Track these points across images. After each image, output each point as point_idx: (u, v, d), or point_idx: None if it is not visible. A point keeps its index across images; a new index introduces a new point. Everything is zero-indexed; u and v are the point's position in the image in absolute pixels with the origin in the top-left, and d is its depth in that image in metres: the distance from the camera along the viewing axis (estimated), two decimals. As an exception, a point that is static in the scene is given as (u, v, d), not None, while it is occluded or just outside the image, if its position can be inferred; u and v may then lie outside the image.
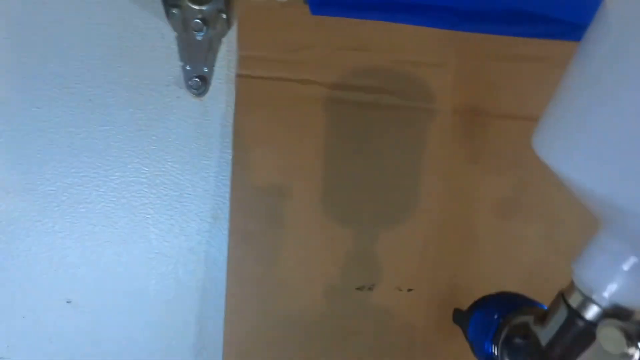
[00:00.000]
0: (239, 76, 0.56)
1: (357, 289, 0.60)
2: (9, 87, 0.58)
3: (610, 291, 0.25)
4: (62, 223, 0.61)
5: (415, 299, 0.60)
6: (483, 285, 0.59)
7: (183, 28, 0.55)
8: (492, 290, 0.57)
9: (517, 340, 0.32)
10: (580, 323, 0.27)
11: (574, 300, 0.28)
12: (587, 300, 0.26)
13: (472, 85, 0.58)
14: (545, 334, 0.29)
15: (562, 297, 0.28)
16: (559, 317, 0.28)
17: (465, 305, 0.56)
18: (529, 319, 0.32)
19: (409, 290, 0.61)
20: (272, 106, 0.57)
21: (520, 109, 0.58)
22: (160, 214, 0.61)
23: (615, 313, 0.25)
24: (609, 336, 0.23)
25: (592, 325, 0.27)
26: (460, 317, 0.45)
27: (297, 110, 0.57)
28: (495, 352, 0.35)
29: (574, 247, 0.30)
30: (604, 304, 0.26)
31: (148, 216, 0.61)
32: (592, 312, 0.27)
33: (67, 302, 0.63)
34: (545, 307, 0.33)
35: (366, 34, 0.56)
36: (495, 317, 0.36)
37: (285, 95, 0.56)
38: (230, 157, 0.58)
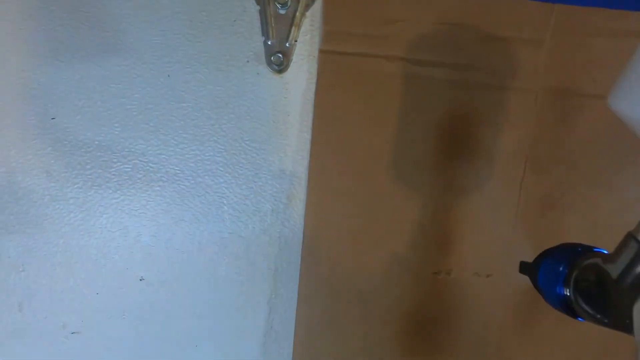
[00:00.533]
0: (322, 52, 0.54)
1: (434, 273, 0.59)
2: (87, 64, 0.57)
3: None
4: (138, 201, 0.61)
5: (494, 286, 0.59)
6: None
7: (266, 1, 0.54)
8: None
9: (589, 278, 0.36)
10: None
11: None
12: None
13: (568, 63, 0.55)
14: (615, 269, 0.32)
15: (631, 235, 0.32)
16: (629, 251, 0.32)
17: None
18: (597, 260, 0.35)
19: (488, 276, 0.60)
20: (356, 83, 0.55)
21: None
22: (234, 193, 0.60)
23: None
24: None
25: None
26: (527, 267, 0.47)
27: (382, 88, 0.54)
28: (568, 293, 0.38)
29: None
30: None
31: (222, 195, 0.60)
32: None
33: (140, 279, 0.63)
34: (607, 252, 0.36)
35: (458, 8, 0.53)
36: (564, 262, 0.39)
37: (370, 72, 0.54)
38: (309, 137, 0.57)
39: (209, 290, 0.62)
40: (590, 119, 0.55)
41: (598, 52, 0.54)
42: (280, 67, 0.54)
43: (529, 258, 0.57)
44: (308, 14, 0.54)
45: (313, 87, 0.55)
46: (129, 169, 0.59)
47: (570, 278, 0.37)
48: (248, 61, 0.56)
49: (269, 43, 0.55)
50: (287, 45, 0.55)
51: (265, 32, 0.54)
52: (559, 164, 0.56)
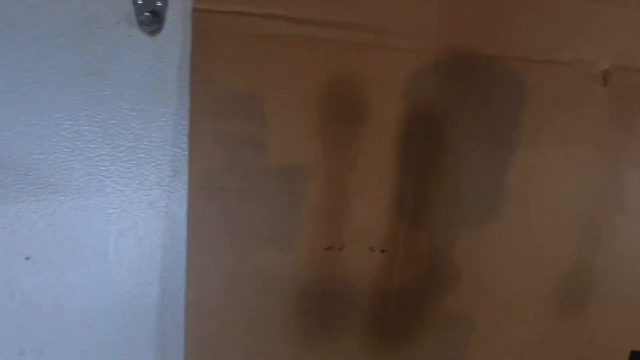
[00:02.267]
0: (195, 10, 0.50)
1: (327, 248, 0.56)
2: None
3: None
4: (15, 175, 0.58)
5: (389, 261, 0.56)
6: (462, 248, 0.55)
7: (131, -45, 0.50)
8: (472, 251, 0.53)
9: None
10: None
11: None
12: None
13: (462, 22, 0.51)
14: None
15: None
16: None
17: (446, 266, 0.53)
18: None
19: (383, 251, 0.57)
20: (233, 45, 0.50)
21: (517, 49, 0.51)
22: (116, 165, 0.57)
23: None
24: None
25: None
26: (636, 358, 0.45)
27: (260, 50, 0.50)
28: None
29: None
30: None
31: (103, 168, 0.57)
32: None
33: (26, 258, 0.60)
34: None
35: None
36: None
37: (247, 32, 0.50)
38: (188, 104, 0.53)
39: (98, 269, 0.60)
40: (487, 79, 0.52)
41: (494, 9, 0.50)
42: (152, 27, 0.50)
43: (426, 235, 0.56)
44: (179, -32, 0.50)
45: (189, 49, 0.51)
46: (2, 141, 0.56)
47: None
48: (119, 22, 0.52)
49: (139, 2, 0.51)
50: (158, 3, 0.51)
51: (133, -11, 0.50)
52: (456, 127, 0.53)
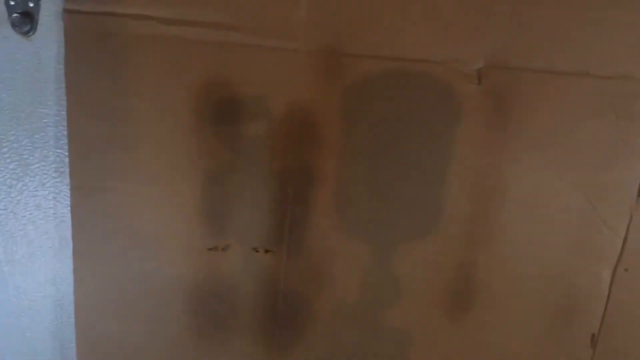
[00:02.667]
0: (65, 11, 0.50)
1: (210, 249, 0.56)
2: None
3: None
4: None
5: (275, 262, 0.56)
6: (353, 248, 0.55)
7: (-1, -45, 0.49)
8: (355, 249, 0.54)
9: None
10: None
11: None
12: None
13: (331, 21, 0.50)
14: None
15: None
16: None
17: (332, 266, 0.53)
18: None
19: (267, 251, 0.57)
20: (104, 45, 0.50)
21: (390, 48, 0.50)
22: (1, 168, 0.56)
23: None
24: None
25: None
26: None
27: (132, 51, 0.50)
28: None
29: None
30: None
31: (-11, 170, 0.57)
32: None
33: None
34: None
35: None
36: None
37: (118, 33, 0.50)
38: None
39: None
40: (362, 79, 0.51)
41: (364, 8, 0.50)
42: (24, 29, 0.50)
43: (311, 235, 0.55)
44: (48, -32, 0.50)
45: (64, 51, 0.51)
46: None
47: None
48: (-7, 23, 0.52)
49: (11, 3, 0.50)
50: (30, 4, 0.51)
51: (4, -10, 0.50)
52: (336, 128, 0.52)
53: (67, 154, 0.55)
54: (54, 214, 0.57)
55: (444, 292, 0.57)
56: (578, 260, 0.57)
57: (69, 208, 0.56)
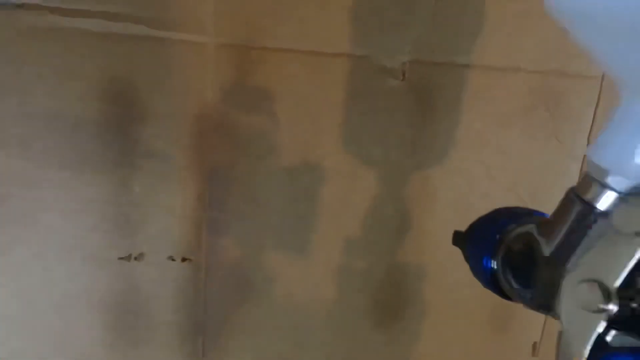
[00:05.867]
0: (-51, 1, 0.47)
1: (121, 258, 0.53)
2: None
3: (630, 170, 0.23)
4: None
5: (193, 271, 0.52)
6: (274, 255, 0.52)
7: None
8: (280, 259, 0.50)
9: (519, 249, 0.30)
10: (593, 216, 0.25)
11: (588, 192, 0.25)
12: (603, 188, 0.25)
13: (244, 12, 0.47)
14: (551, 238, 0.27)
15: (572, 191, 0.27)
16: (568, 215, 0.26)
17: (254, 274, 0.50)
18: (530, 227, 0.30)
19: (184, 260, 0.54)
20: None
21: (306, 41, 0.46)
22: None
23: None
24: (626, 214, 0.23)
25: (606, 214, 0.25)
26: (458, 238, 0.41)
27: (24, 44, 0.46)
28: (495, 266, 0.32)
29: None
30: (623, 186, 0.24)
31: None
32: (607, 201, 0.24)
33: None
34: (548, 215, 0.30)
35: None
36: (493, 230, 0.33)
37: (7, 24, 0.46)
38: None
39: None
40: (273, 74, 0.48)
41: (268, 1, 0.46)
42: None
43: (231, 242, 0.52)
44: None
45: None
46: None
47: (499, 249, 0.32)
48: None
49: None
50: None
51: None
52: (250, 128, 0.49)
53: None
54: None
55: (371, 301, 0.55)
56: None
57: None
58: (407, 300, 0.55)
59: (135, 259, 0.52)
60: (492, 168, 0.51)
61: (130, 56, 0.47)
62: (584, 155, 0.51)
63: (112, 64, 0.47)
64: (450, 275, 0.53)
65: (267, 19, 0.46)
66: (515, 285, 0.31)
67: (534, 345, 0.58)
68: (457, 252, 0.53)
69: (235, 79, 0.47)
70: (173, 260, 0.52)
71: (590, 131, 0.50)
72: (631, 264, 0.22)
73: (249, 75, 0.48)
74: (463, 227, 0.52)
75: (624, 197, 0.24)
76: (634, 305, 0.23)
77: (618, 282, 0.22)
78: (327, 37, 0.47)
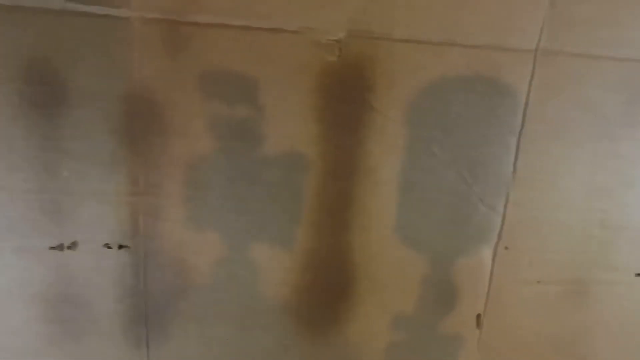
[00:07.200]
0: None
1: (53, 247, 0.51)
2: None
3: None
4: None
5: (132, 258, 0.50)
6: (212, 240, 0.51)
7: None
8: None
9: None
10: None
11: None
12: None
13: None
14: None
15: None
16: None
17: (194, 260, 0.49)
18: None
19: (121, 247, 0.52)
20: None
21: (238, 16, 0.44)
22: None
23: None
24: None
25: None
26: None
27: None
28: None
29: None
30: None
31: None
32: None
33: None
34: None
35: None
36: None
37: None
38: None
39: None
40: (203, 50, 0.46)
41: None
42: None
43: (168, 227, 0.48)
44: None
45: None
46: None
47: None
48: None
49: None
50: None
51: None
52: (179, 108, 0.46)
53: None
54: None
55: (317, 281, 0.54)
56: (457, 240, 0.55)
57: None
58: (353, 278, 0.55)
59: (69, 247, 0.49)
60: (432, 145, 0.51)
61: (48, 33, 0.43)
62: (520, 130, 0.52)
63: (28, 41, 0.43)
64: (396, 252, 0.54)
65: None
66: None
67: (478, 317, 0.59)
68: (400, 229, 0.54)
69: (164, 56, 0.45)
70: (109, 248, 0.50)
71: (525, 105, 0.52)
72: None
73: (180, 51, 0.45)
74: (405, 205, 0.53)
75: None
76: None
77: None
78: (261, 12, 0.46)
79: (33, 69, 0.44)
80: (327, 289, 0.55)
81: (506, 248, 0.56)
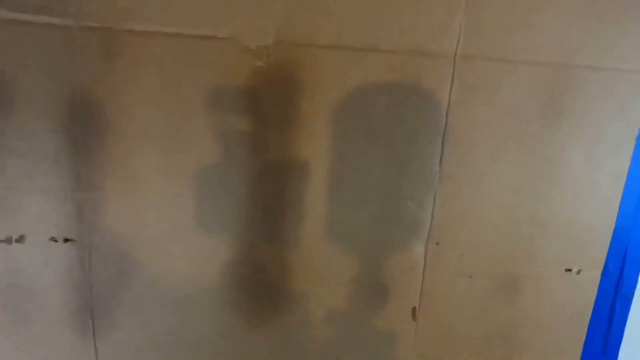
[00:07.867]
0: None
1: (0, 241, 0.53)
2: None
3: None
4: None
5: (78, 251, 0.53)
6: (155, 232, 0.54)
7: None
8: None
9: None
10: None
11: None
12: None
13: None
14: None
15: None
16: None
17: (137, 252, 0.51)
18: None
19: (67, 240, 0.55)
20: None
21: (171, 24, 0.47)
22: None
23: None
24: None
25: None
26: None
27: None
28: None
29: None
30: None
31: None
32: None
33: None
34: None
35: None
36: None
37: None
38: None
39: None
40: (138, 57, 0.49)
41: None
42: None
43: (112, 221, 0.52)
44: None
45: None
46: None
47: None
48: None
49: None
50: None
51: None
52: (123, 108, 0.50)
53: None
54: None
55: (256, 273, 0.57)
56: (388, 236, 0.57)
57: None
58: (287, 272, 0.57)
59: (17, 241, 0.52)
60: (360, 144, 0.53)
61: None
62: (444, 131, 0.55)
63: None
64: (331, 249, 0.56)
65: (131, 1, 0.48)
66: None
67: (414, 309, 0.61)
68: (334, 226, 0.56)
69: (102, 61, 0.48)
70: (55, 241, 0.53)
71: (447, 107, 0.54)
72: None
73: (116, 57, 0.49)
74: (335, 201, 0.55)
75: None
76: None
77: None
78: (192, 19, 0.49)
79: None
80: (265, 281, 0.58)
81: (437, 244, 0.59)
